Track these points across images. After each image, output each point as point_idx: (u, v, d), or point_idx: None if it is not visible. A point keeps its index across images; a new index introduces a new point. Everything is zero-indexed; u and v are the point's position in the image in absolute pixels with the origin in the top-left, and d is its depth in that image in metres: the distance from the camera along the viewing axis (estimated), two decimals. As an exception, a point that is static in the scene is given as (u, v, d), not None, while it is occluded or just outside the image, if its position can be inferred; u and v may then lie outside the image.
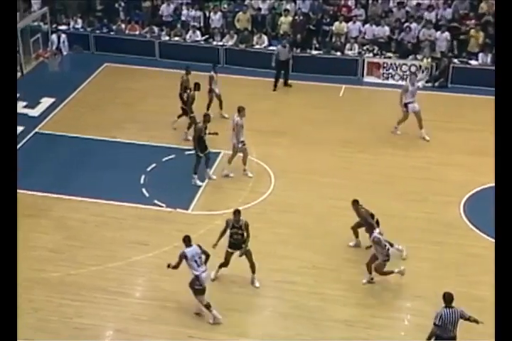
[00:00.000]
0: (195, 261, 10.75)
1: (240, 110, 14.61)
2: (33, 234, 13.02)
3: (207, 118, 14.55)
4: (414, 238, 13.05)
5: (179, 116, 16.54)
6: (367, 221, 12.12)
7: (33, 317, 11.13)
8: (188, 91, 16.24)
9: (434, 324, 9.76)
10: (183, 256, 10.75)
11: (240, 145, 14.73)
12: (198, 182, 14.67)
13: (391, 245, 11.79)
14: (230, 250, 11.66)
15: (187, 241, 10.82)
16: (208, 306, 10.96)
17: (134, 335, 10.89)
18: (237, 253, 11.63)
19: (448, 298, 9.79)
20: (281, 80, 19.21)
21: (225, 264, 11.82)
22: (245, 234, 11.52)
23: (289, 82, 19.21)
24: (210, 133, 14.58)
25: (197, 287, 10.84)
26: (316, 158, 15.76)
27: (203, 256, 10.84)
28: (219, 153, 15.56)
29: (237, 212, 11.49)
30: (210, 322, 11.04)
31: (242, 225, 11.50)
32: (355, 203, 12.40)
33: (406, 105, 16.28)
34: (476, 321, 9.90)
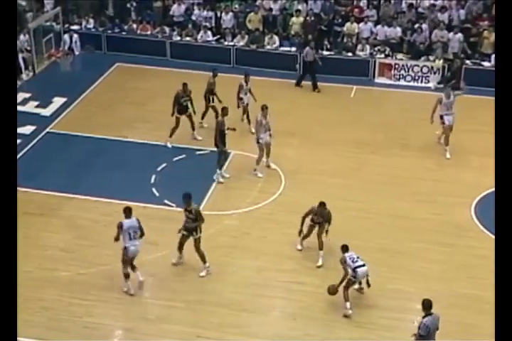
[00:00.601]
0: (129, 234, 11.21)
1: (263, 108, 14.72)
2: (43, 233, 13.09)
3: (225, 111, 14.53)
4: (423, 239, 13.02)
5: (203, 116, 16.61)
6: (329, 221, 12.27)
7: (44, 316, 11.19)
8: (211, 97, 16.23)
9: (420, 335, 9.61)
10: (119, 226, 11.17)
11: (258, 142, 14.80)
12: (221, 179, 14.77)
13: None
14: (185, 233, 11.95)
15: (127, 212, 11.29)
16: (126, 275, 11.47)
17: (142, 335, 10.92)
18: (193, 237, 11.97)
19: (427, 305, 9.68)
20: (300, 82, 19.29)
21: (179, 248, 12.14)
22: (198, 220, 11.76)
23: (318, 85, 19.12)
24: (228, 129, 14.59)
25: (124, 257, 11.39)
26: (327, 158, 15.74)
27: (139, 232, 11.33)
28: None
29: (186, 196, 11.68)
30: (124, 290, 11.55)
31: (193, 210, 11.70)
32: (321, 205, 12.22)
33: (442, 117, 15.63)
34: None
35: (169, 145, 16.04)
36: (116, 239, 11.25)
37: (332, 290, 11.37)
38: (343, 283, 11.26)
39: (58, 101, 18.32)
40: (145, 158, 15.62)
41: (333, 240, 12.99)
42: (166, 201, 14.10)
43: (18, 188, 12.43)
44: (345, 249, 11.37)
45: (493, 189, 14.18)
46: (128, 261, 11.43)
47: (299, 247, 12.74)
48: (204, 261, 12.07)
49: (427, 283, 11.95)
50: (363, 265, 11.25)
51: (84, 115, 17.71)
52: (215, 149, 14.72)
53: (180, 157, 15.67)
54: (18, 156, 15.57)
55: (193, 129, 16.24)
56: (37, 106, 18.05)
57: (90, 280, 11.96)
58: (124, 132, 16.72)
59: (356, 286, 11.61)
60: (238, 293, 11.76)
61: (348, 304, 11.26)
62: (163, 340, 10.82)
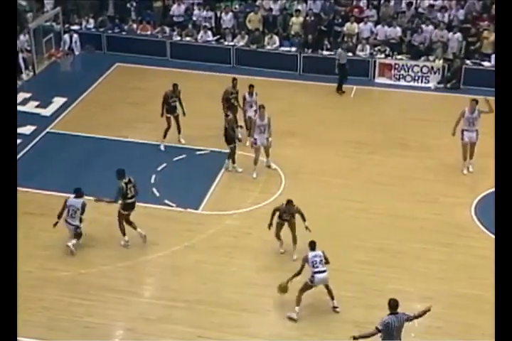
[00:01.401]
0: (69, 211, 12.34)
1: (260, 108, 14.76)
2: (44, 233, 13.08)
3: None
4: (424, 239, 13.03)
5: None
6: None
7: (44, 316, 11.20)
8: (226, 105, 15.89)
9: (377, 328, 9.55)
10: (64, 203, 12.33)
11: (255, 144, 14.77)
12: (239, 169, 14.97)
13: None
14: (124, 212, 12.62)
15: (78, 192, 12.38)
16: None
17: (143, 334, 10.93)
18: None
19: (393, 305, 9.60)
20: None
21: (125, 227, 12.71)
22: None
23: (343, 87, 19.00)
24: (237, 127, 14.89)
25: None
26: (327, 158, 15.75)
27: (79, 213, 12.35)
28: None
29: (120, 171, 12.48)
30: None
31: (133, 182, 12.43)
32: (289, 203, 12.24)
33: (462, 132, 14.82)
34: (424, 312, 9.72)
35: (162, 147, 15.94)
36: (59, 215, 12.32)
37: (282, 288, 11.17)
38: (301, 286, 11.06)
39: (58, 101, 18.33)
40: (145, 158, 15.62)
41: (333, 240, 13.02)
42: (167, 201, 14.11)
43: (18, 188, 12.46)
44: (311, 246, 11.10)
45: (493, 189, 14.21)
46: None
47: (282, 250, 12.64)
48: (124, 233, 12.69)
49: (427, 283, 11.97)
50: (323, 271, 10.98)
51: (84, 115, 17.71)
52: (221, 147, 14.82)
53: (181, 157, 15.67)
54: (19, 156, 15.59)
55: (179, 132, 16.04)
56: (37, 106, 18.05)
57: (91, 280, 11.97)
58: (124, 132, 16.72)
59: (313, 290, 11.19)
60: (238, 293, 11.77)
61: (297, 308, 11.10)
62: (163, 340, 10.84)
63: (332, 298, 11.28)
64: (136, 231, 12.68)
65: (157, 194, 14.35)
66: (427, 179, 14.97)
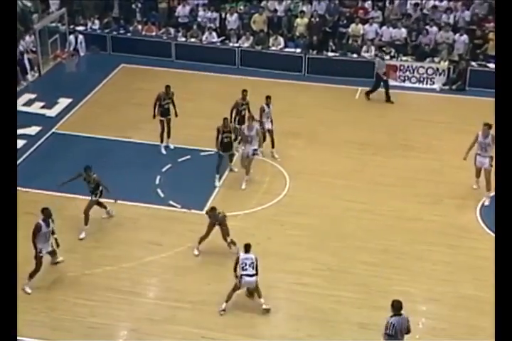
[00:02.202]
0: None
1: (249, 118, 14.73)
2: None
3: (225, 122, 14.45)
4: (428, 241, 13.01)
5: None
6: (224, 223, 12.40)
7: (49, 317, 11.21)
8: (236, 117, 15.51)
9: (387, 334, 9.56)
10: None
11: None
12: (235, 169, 15.00)
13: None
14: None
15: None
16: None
17: (146, 335, 10.94)
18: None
19: (397, 306, 9.61)
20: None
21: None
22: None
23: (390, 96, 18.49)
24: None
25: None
26: (331, 159, 15.74)
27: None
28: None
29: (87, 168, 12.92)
30: None
31: (92, 180, 12.99)
32: (213, 210, 12.36)
33: (475, 156, 14.23)
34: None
35: (163, 150, 15.89)
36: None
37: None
38: (233, 286, 11.19)
39: (64, 102, 18.36)
40: (150, 159, 15.64)
41: (337, 241, 13.02)
42: (171, 202, 14.12)
43: (22, 189, 12.51)
44: (245, 249, 11.21)
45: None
46: None
47: (196, 252, 12.63)
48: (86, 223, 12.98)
49: (432, 284, 11.94)
50: (251, 275, 11.07)
51: (89, 116, 17.74)
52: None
53: (185, 158, 15.68)
54: (24, 157, 15.64)
55: (169, 136, 15.97)
56: (42, 107, 18.09)
57: (94, 280, 11.98)
58: (129, 133, 16.74)
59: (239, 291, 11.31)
60: (243, 294, 11.75)
61: (224, 305, 11.20)
62: (167, 341, 10.85)
63: (259, 297, 11.27)
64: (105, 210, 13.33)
65: (161, 195, 14.35)
66: (430, 180, 14.94)
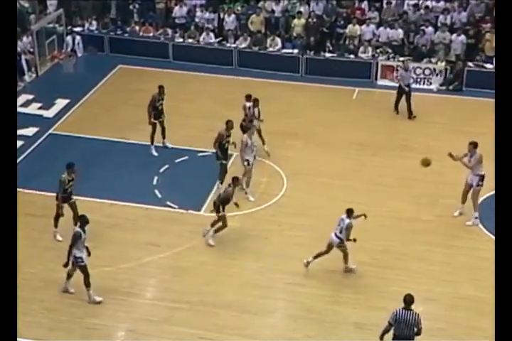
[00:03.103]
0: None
1: (248, 128, 14.56)
2: (45, 234, 13.08)
3: (229, 124, 14.13)
4: (426, 241, 13.01)
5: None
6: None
7: (46, 318, 11.20)
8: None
9: (388, 322, 9.77)
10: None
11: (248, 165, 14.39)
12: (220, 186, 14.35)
13: None
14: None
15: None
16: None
17: (144, 335, 10.93)
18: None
19: (408, 300, 9.71)
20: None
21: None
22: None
23: (412, 111, 17.58)
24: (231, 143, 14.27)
25: None
26: (329, 160, 15.74)
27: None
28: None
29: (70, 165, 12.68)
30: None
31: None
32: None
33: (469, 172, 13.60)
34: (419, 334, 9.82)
35: (154, 152, 15.82)
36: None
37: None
38: None
39: (61, 102, 18.34)
40: (147, 160, 15.63)
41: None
42: (169, 202, 14.11)
43: (20, 189, 12.47)
44: (347, 213, 11.87)
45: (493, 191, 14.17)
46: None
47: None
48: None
49: (431, 284, 11.95)
50: (337, 236, 11.90)
51: (87, 116, 17.73)
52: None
53: (183, 159, 15.67)
54: (21, 158, 15.62)
55: (164, 137, 15.92)
56: (40, 108, 18.07)
57: (92, 281, 11.90)
58: (127, 134, 16.73)
59: None
60: (240, 294, 11.76)
61: (310, 258, 11.95)
62: (165, 341, 10.84)
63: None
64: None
65: (159, 195, 14.35)
66: (428, 180, 14.94)
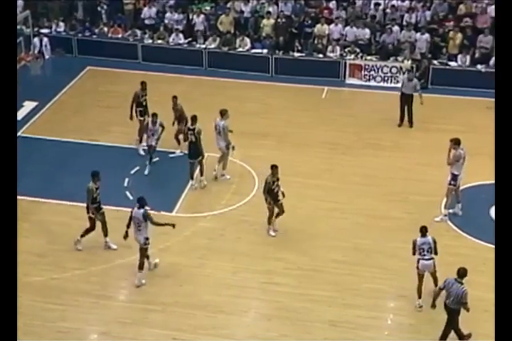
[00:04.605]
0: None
1: (223, 113, 14.63)
2: (20, 238, 12.81)
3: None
4: (398, 238, 13.10)
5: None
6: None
7: (18, 322, 10.98)
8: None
9: (439, 287, 10.55)
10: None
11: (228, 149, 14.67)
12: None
13: None
14: None
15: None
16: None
17: (118, 338, 10.87)
18: None
19: (462, 273, 10.30)
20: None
21: None
22: None
23: (413, 121, 17.22)
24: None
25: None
26: (300, 159, 15.80)
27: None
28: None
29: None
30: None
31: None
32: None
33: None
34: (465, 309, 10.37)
35: (141, 151, 15.81)
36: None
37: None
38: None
39: (29, 105, 18.13)
40: (118, 162, 15.53)
41: (308, 241, 13.07)
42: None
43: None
44: (421, 232, 11.48)
45: (464, 186, 14.36)
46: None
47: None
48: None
49: (403, 281, 12.04)
50: (428, 259, 11.49)
51: (56, 119, 17.56)
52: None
53: (154, 160, 15.59)
54: (-11, 161, 15.39)
55: (141, 140, 15.93)
56: (7, 111, 17.84)
57: (64, 284, 11.87)
58: (97, 136, 16.61)
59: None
60: (214, 294, 11.75)
61: (419, 301, 11.50)
62: (138, 343, 10.78)
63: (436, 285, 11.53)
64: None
65: (130, 197, 14.25)
66: (399, 178, 15.10)
